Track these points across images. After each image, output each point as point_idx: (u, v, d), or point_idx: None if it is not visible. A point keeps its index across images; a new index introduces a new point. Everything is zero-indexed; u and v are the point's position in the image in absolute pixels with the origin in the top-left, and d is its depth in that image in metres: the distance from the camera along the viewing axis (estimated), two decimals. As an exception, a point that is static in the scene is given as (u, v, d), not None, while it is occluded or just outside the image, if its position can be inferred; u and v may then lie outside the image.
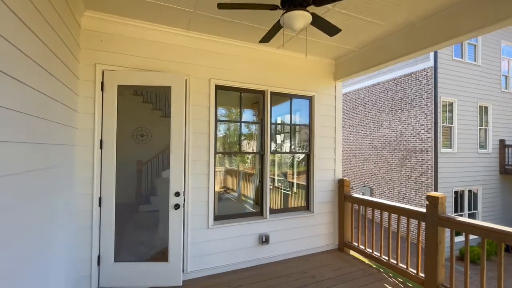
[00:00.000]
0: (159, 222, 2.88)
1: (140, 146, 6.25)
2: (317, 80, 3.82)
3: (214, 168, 3.14)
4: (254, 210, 3.63)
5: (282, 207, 4.59)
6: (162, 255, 2.66)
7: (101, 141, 2.60)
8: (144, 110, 6.00)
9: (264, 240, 3.34)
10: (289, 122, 3.91)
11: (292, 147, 4.17)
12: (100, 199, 2.59)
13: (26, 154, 1.54)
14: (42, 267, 1.74)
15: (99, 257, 2.58)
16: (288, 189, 4.88)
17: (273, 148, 3.69)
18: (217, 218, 3.20)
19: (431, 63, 7.98)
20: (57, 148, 2.05)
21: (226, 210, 4.63)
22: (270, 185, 3.55)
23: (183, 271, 2.91)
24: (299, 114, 4.12)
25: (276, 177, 5.13)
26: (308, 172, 3.85)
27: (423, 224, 2.85)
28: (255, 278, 2.99)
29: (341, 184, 3.87)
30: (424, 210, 2.80)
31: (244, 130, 5.25)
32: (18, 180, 1.43)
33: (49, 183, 1.91)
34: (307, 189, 3.84)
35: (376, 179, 10.02)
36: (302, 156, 4.92)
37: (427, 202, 2.75)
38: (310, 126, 3.82)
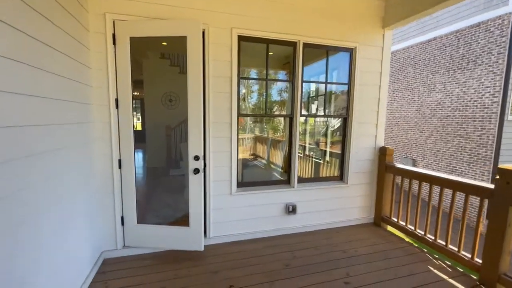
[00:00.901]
0: (184, 187, 2.77)
1: (168, 111, 6.22)
2: (361, 28, 3.15)
3: (237, 131, 2.86)
4: (282, 178, 3.37)
5: (312, 176, 4.26)
6: (184, 220, 2.57)
7: (116, 100, 2.44)
8: (172, 74, 5.81)
9: (290, 209, 3.11)
10: (324, 81, 3.38)
11: (327, 110, 3.69)
12: (120, 161, 2.51)
13: (36, 107, 1.46)
14: (61, 225, 1.71)
15: (122, 218, 2.58)
16: (320, 158, 4.49)
17: (304, 112, 3.25)
18: (240, 184, 3.01)
19: (509, 8, 6.37)
20: (69, 105, 1.92)
21: (253, 177, 4.42)
22: (300, 153, 3.20)
23: (205, 235, 2.85)
24: (337, 72, 3.55)
25: (307, 145, 4.73)
26: (344, 138, 3.39)
27: (485, 202, 2.33)
28: (280, 247, 2.82)
29: (382, 152, 3.36)
30: (490, 186, 2.26)
31: (273, 91, 4.82)
32: (35, 131, 1.48)
33: (64, 139, 1.83)
34: (342, 157, 3.42)
35: (421, 149, 9.02)
36: (336, 122, 4.42)
37: (497, 177, 2.20)
38: (349, 85, 3.27)
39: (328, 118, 4.25)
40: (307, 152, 4.60)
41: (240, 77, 2.85)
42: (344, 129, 3.38)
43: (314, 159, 4.42)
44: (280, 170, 4.86)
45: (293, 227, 3.18)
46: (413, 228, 2.97)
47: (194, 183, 2.48)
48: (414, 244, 2.95)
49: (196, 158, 2.44)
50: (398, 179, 3.25)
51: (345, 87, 3.31)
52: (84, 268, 2.15)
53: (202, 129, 2.45)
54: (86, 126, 2.24)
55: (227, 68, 2.73)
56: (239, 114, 2.88)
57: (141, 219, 2.65)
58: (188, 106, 2.42)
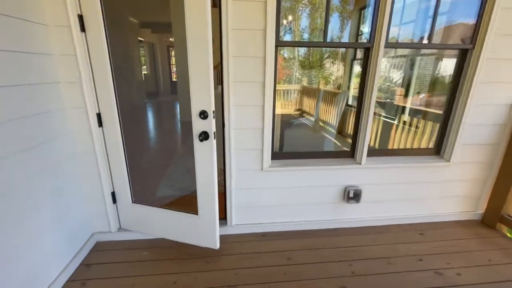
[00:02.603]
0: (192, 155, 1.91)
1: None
2: None
3: (275, 72, 1.76)
4: (341, 149, 2.27)
5: (388, 147, 3.00)
6: (191, 203, 1.77)
7: (80, 16, 1.51)
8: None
9: (352, 195, 2.07)
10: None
11: (430, 39, 2.24)
12: (99, 116, 1.71)
13: None
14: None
15: (113, 194, 1.90)
16: (399, 120, 3.15)
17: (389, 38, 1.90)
18: (277, 156, 2.02)
19: None
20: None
21: (296, 144, 3.32)
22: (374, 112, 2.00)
23: (225, 222, 2.06)
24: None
25: (382, 101, 3.38)
26: (454, 88, 2.02)
27: None
28: (331, 252, 1.90)
29: (528, 114, 1.94)
30: None
31: (334, 20, 3.35)
32: None
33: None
34: (445, 119, 2.10)
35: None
36: (436, 60, 2.97)
37: None
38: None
39: (422, 56, 2.76)
40: (376, 111, 3.29)
41: (281, -26, 1.61)
42: (458, 71, 1.98)
43: (390, 121, 3.12)
44: (334, 132, 3.69)
45: (352, 219, 2.19)
46: None
47: (202, 154, 1.58)
48: None
49: (203, 115, 1.48)
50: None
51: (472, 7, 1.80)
52: (57, 259, 1.57)
53: (210, 64, 1.42)
54: (40, 60, 1.40)
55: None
56: (278, 44, 1.73)
57: (136, 197, 1.94)
58: (186, 21, 1.38)
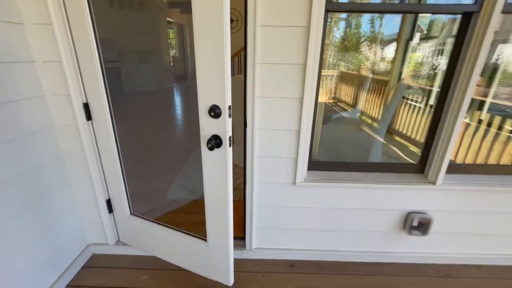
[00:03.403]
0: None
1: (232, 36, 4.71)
2: None
3: (322, 51, 1.22)
4: (405, 161, 1.70)
5: (475, 161, 2.28)
6: (201, 224, 1.36)
7: (53, -29, 1.10)
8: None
9: (416, 224, 1.51)
10: None
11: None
12: (86, 106, 1.32)
13: None
14: None
15: (109, 202, 1.55)
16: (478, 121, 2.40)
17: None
18: (315, 166, 1.51)
19: None
20: None
21: (335, 147, 2.64)
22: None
23: (243, 245, 1.63)
24: None
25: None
26: None
27: None
28: (384, 301, 1.40)
29: None
30: None
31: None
32: None
33: None
34: None
35: None
36: None
37: None
38: None
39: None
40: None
41: None
42: None
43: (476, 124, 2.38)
44: (380, 129, 3.01)
45: (410, 254, 1.63)
46: None
47: (212, 167, 1.12)
48: None
49: (214, 112, 1.00)
50: None
51: None
52: (37, 282, 1.27)
53: (226, 34, 0.92)
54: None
55: None
56: (330, 6, 1.18)
57: (136, 208, 1.58)
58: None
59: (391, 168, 1.54)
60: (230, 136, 1.06)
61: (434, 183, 1.44)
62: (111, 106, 1.32)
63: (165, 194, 2.12)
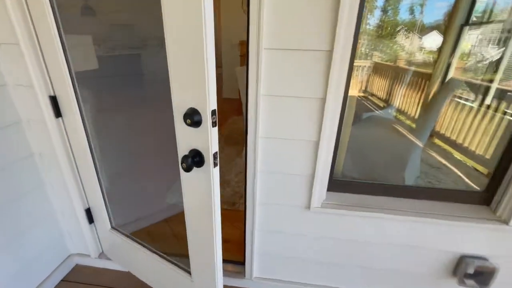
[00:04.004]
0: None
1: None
2: None
3: (356, 33, 0.85)
4: (456, 177, 1.30)
5: None
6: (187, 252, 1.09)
7: None
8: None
9: (473, 273, 1.12)
10: None
11: None
12: (54, 100, 1.08)
13: None
14: None
15: (89, 211, 1.33)
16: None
17: None
18: (336, 186, 1.16)
19: None
20: None
21: (365, 158, 2.09)
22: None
23: (244, 272, 1.35)
24: None
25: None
26: None
27: None
28: None
29: None
30: None
31: None
32: None
33: None
34: None
35: None
36: None
37: None
38: None
39: None
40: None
41: None
42: None
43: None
44: (421, 132, 2.50)
45: (461, 305, 1.25)
46: None
47: (193, 190, 0.83)
48: None
49: (191, 119, 0.69)
50: None
51: None
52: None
53: (206, 9, 0.59)
54: None
55: None
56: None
57: (117, 221, 1.35)
58: None
59: (441, 194, 1.14)
60: (216, 152, 0.75)
61: (506, 222, 1.03)
62: (79, 100, 1.07)
63: (155, 201, 1.88)
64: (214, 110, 0.69)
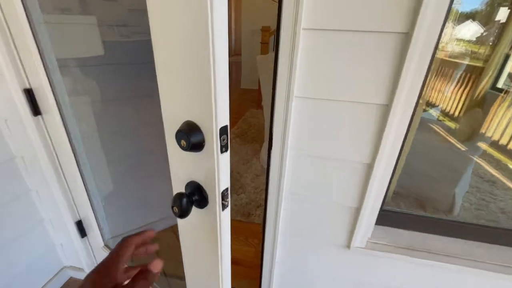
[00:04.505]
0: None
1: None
2: None
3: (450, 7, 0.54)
4: None
5: None
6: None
7: None
8: None
9: None
10: None
11: None
12: (30, 94, 0.86)
13: None
14: None
15: (80, 224, 1.14)
16: None
17: None
18: (385, 219, 0.87)
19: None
20: None
21: (421, 183, 1.56)
22: None
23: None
24: None
25: None
26: None
27: None
28: None
29: None
30: None
31: None
32: None
33: None
34: None
35: None
36: None
37: None
38: None
39: None
40: None
41: None
42: None
43: None
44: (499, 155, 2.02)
45: None
46: None
47: (191, 240, 0.57)
48: None
49: (185, 139, 0.43)
50: None
51: None
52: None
53: None
54: None
55: None
56: None
57: (112, 235, 1.15)
58: None
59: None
60: (226, 189, 0.48)
61: None
62: (56, 94, 0.84)
63: (158, 208, 1.67)
64: (225, 127, 0.42)
